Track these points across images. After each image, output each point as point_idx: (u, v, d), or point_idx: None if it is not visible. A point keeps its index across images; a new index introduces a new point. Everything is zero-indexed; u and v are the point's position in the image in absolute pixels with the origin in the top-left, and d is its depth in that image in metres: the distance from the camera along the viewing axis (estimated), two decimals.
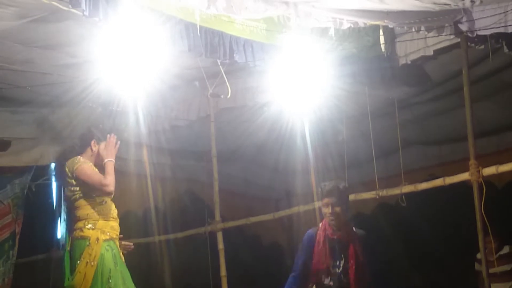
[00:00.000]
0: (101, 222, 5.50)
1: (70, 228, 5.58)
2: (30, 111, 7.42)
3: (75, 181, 5.51)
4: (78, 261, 5.37)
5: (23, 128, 7.53)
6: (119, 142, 5.74)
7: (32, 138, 7.72)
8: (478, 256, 6.69)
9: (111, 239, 5.53)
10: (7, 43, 5.50)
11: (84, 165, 5.52)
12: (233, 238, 8.15)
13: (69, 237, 5.58)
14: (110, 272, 5.39)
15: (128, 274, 5.59)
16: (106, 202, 5.58)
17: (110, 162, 5.58)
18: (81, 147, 5.70)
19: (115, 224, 5.61)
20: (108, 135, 5.70)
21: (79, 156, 5.60)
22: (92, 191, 5.50)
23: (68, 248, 5.54)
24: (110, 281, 5.38)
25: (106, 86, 6.08)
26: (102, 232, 5.48)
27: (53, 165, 8.22)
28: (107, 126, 7.41)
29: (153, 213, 8.44)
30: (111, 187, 5.47)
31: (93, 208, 5.50)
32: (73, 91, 6.56)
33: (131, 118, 7.25)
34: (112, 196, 5.60)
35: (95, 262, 5.37)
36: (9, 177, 7.90)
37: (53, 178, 8.31)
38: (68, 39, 5.57)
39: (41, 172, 8.43)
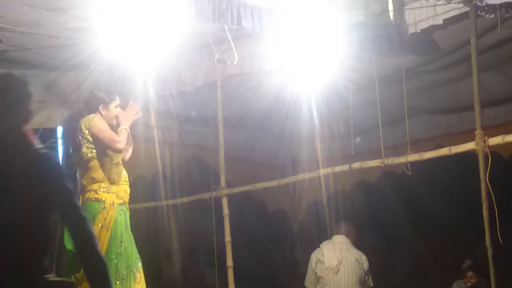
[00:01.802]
0: (115, 186, 5.54)
1: (82, 189, 5.60)
2: (38, 74, 7.42)
3: (91, 138, 5.54)
4: (92, 224, 5.40)
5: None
6: (140, 113, 5.76)
7: (40, 101, 7.72)
8: None
9: (124, 203, 5.58)
10: (14, 4, 5.48)
11: (99, 122, 5.55)
12: (238, 204, 8.20)
13: (79, 199, 5.55)
14: (122, 235, 5.45)
15: (133, 239, 5.65)
16: (120, 164, 5.61)
17: (124, 129, 5.60)
18: (89, 111, 5.71)
19: (127, 188, 5.66)
20: (131, 103, 5.72)
21: (93, 114, 5.63)
22: (107, 149, 5.53)
23: None
24: (122, 244, 5.44)
25: (114, 50, 6.07)
26: (117, 196, 5.52)
27: (60, 128, 8.24)
28: (113, 87, 7.42)
29: (161, 178, 8.47)
30: (122, 145, 5.50)
31: (109, 170, 5.54)
32: (81, 55, 6.54)
33: (139, 82, 7.25)
34: (122, 157, 5.64)
35: (110, 226, 5.42)
36: None
37: (61, 141, 8.33)
38: (75, 2, 5.55)
39: (48, 135, 8.45)
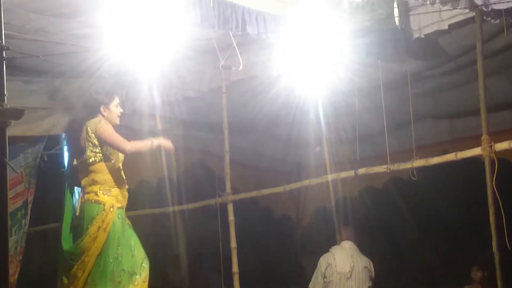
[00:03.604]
0: (115, 190, 5.56)
1: (82, 190, 5.61)
2: (44, 81, 7.44)
3: (97, 141, 5.55)
4: (89, 225, 5.42)
5: (37, 97, 7.55)
6: (172, 150, 5.89)
7: (45, 108, 7.75)
8: None
9: (122, 207, 5.60)
10: (20, 11, 5.49)
11: (105, 125, 5.56)
12: (243, 210, 8.18)
13: (78, 200, 5.60)
14: (119, 239, 5.45)
15: (138, 242, 5.64)
16: (121, 169, 5.65)
17: (150, 141, 5.66)
18: (91, 114, 5.72)
19: (126, 193, 5.68)
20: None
21: (99, 117, 5.64)
22: (111, 155, 5.56)
23: (77, 212, 5.58)
24: (119, 248, 5.44)
25: (119, 56, 6.08)
26: (117, 199, 5.54)
27: (64, 134, 8.26)
28: (119, 93, 7.45)
29: (166, 184, 8.48)
30: (130, 147, 5.50)
31: (111, 173, 5.56)
32: (86, 62, 6.55)
33: (144, 88, 7.26)
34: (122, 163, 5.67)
35: (108, 228, 5.43)
36: (22, 146, 7.93)
37: (65, 148, 8.35)
38: (81, 8, 5.57)
39: (54, 142, 8.47)
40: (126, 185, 5.70)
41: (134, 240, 5.61)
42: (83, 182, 5.59)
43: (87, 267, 5.39)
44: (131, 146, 5.51)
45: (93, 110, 5.72)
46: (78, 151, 5.69)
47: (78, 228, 5.49)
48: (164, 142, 5.77)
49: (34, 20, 5.73)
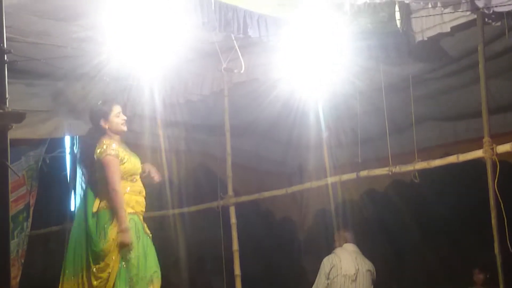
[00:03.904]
0: (126, 196, 5.58)
1: (99, 194, 5.65)
2: (46, 84, 7.45)
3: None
4: (108, 229, 5.45)
5: (38, 100, 7.57)
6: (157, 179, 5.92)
7: (47, 111, 7.76)
8: None
9: (135, 213, 5.61)
10: (22, 15, 5.50)
11: (108, 157, 5.55)
12: (245, 213, 8.18)
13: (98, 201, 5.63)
14: (131, 244, 5.46)
15: (153, 250, 5.67)
16: (136, 179, 5.70)
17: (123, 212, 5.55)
18: (96, 128, 5.74)
19: (141, 200, 5.70)
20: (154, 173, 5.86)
21: (103, 140, 5.62)
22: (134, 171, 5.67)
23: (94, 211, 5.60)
24: (132, 252, 5.45)
25: (121, 59, 6.08)
26: (127, 205, 5.55)
27: (67, 138, 8.27)
28: (121, 96, 7.46)
29: (168, 187, 8.48)
30: (116, 194, 5.47)
31: (125, 183, 5.60)
32: (88, 65, 6.56)
33: (146, 91, 7.27)
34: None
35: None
36: (24, 149, 7.95)
37: (70, 151, 8.36)
38: (83, 11, 5.57)
39: (55, 144, 8.48)
40: (140, 193, 5.72)
41: (150, 250, 5.63)
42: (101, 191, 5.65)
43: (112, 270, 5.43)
44: (117, 193, 5.47)
45: (95, 124, 5.74)
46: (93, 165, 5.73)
47: (99, 231, 5.52)
48: (153, 171, 5.84)
49: (36, 24, 5.74)
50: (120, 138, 5.73)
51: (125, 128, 5.74)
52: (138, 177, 5.72)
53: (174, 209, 8.50)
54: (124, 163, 5.61)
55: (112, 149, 5.56)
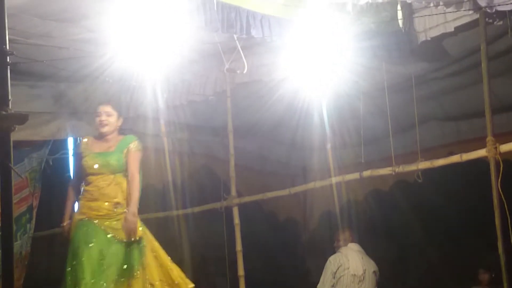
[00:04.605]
0: (80, 203, 5.68)
1: None
2: (48, 86, 7.45)
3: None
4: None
5: (41, 102, 7.56)
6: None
7: (50, 113, 7.75)
8: None
9: (87, 218, 5.57)
10: (24, 16, 5.50)
11: (139, 152, 5.74)
12: (249, 214, 8.18)
13: None
14: (74, 250, 5.46)
15: (118, 258, 5.52)
16: (92, 183, 5.64)
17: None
18: None
19: (94, 205, 5.60)
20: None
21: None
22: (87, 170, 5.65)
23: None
24: (74, 259, 5.44)
25: (123, 61, 6.08)
26: (80, 212, 5.64)
27: (70, 140, 8.26)
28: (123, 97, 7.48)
29: (171, 188, 8.48)
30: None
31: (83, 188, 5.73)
32: (90, 66, 6.56)
33: (149, 92, 7.26)
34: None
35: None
36: (27, 151, 7.95)
37: (74, 152, 8.36)
38: (85, 13, 5.56)
39: (59, 146, 8.48)
40: (96, 197, 5.63)
41: (112, 258, 5.49)
42: None
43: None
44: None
45: None
46: None
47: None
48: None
49: (38, 25, 5.73)
50: (108, 137, 5.80)
51: (101, 129, 5.79)
52: (95, 178, 5.65)
53: (178, 210, 8.50)
54: (84, 157, 5.70)
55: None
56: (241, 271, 7.28)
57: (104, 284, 5.35)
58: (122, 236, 5.52)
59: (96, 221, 5.55)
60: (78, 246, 5.46)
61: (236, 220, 7.39)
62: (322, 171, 8.68)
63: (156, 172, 8.32)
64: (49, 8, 5.44)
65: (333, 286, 7.27)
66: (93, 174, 5.64)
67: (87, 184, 5.66)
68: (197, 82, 7.50)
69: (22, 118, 3.51)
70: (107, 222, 5.56)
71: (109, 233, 5.53)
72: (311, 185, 7.79)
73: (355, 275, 7.19)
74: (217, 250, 8.43)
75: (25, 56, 5.85)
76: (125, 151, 5.74)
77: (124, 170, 5.69)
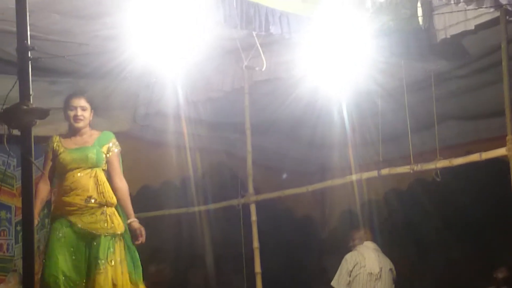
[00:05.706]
0: (54, 199, 5.69)
1: None
2: (69, 82, 7.48)
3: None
4: None
5: (61, 98, 7.56)
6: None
7: None
8: None
9: (61, 214, 5.45)
10: (44, 13, 5.54)
11: (119, 152, 5.66)
12: (266, 211, 8.18)
13: None
14: (53, 245, 5.36)
15: (89, 246, 5.41)
16: (67, 179, 5.48)
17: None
18: None
19: (67, 200, 5.43)
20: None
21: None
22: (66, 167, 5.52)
23: None
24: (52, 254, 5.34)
25: (143, 57, 6.10)
26: (53, 208, 5.61)
27: None
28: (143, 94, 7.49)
29: (190, 184, 8.51)
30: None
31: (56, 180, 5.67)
32: (111, 63, 6.58)
33: (168, 89, 7.28)
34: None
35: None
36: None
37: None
38: (105, 9, 5.60)
39: None
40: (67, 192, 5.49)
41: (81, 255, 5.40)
42: None
43: None
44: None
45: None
46: None
47: None
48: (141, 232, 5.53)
49: (58, 22, 5.77)
50: (82, 131, 5.66)
51: (76, 125, 5.61)
52: (71, 173, 5.46)
53: (195, 206, 8.52)
54: (58, 155, 5.55)
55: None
56: (258, 268, 7.28)
57: (78, 279, 5.33)
58: (95, 230, 5.39)
59: (69, 217, 5.40)
60: (52, 243, 5.36)
61: (253, 217, 7.39)
62: (341, 169, 8.66)
63: (174, 168, 8.35)
64: (70, 5, 5.49)
65: (349, 284, 7.26)
66: (71, 170, 5.46)
67: (62, 180, 5.50)
68: (216, 78, 7.51)
69: (43, 113, 3.54)
70: (80, 217, 5.40)
71: (81, 228, 5.39)
72: (328, 182, 7.79)
73: (371, 273, 7.18)
74: (234, 246, 8.44)
75: (44, 52, 5.89)
76: (105, 147, 5.57)
77: (102, 165, 5.53)
